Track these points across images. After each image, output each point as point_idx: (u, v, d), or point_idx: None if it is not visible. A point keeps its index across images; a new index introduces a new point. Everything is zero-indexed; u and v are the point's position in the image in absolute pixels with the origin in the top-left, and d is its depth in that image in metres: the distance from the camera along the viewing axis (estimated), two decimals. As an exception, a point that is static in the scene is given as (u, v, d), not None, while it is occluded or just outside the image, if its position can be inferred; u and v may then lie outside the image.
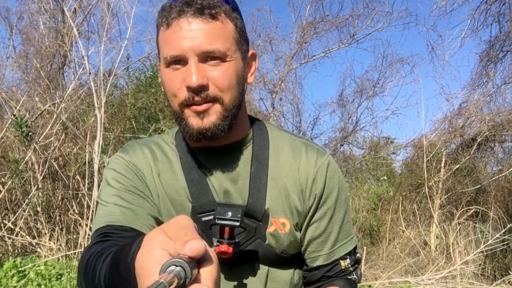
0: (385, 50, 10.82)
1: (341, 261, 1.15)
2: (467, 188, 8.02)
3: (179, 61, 1.05)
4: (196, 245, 0.54)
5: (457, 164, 8.14)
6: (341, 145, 11.07)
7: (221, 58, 1.05)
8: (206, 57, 1.04)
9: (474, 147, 8.19)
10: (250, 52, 1.18)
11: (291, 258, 1.16)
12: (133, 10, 5.79)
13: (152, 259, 0.56)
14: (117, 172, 1.13)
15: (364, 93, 10.31)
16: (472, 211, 7.83)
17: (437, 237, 7.92)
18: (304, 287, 1.20)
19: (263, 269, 1.13)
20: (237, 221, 1.01)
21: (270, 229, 1.11)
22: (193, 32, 1.02)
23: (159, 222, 1.09)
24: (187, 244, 0.54)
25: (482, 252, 6.68)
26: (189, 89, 1.04)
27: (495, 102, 8.63)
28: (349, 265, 1.15)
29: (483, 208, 7.80)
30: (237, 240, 1.05)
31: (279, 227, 1.11)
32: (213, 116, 1.06)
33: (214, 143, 1.12)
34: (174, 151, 1.19)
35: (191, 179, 1.13)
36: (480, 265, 7.02)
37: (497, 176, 8.08)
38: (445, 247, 7.31)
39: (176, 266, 0.53)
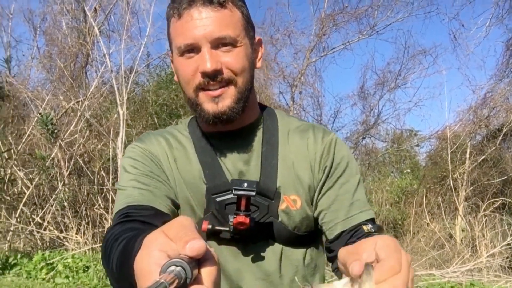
0: (407, 41, 10.58)
1: (362, 226, 1.12)
2: (493, 179, 7.86)
3: (192, 49, 1.09)
4: (196, 245, 0.54)
5: (483, 155, 7.98)
6: (363, 138, 10.96)
7: (232, 44, 1.10)
8: (218, 43, 1.08)
9: (500, 138, 8.00)
10: (257, 38, 1.23)
11: (304, 237, 1.18)
12: (152, 8, 5.88)
13: (151, 261, 0.56)
14: (134, 159, 1.17)
15: (385, 85, 10.17)
16: (498, 203, 7.67)
17: (462, 230, 7.79)
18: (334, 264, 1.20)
19: (277, 247, 1.15)
20: (253, 190, 1.03)
21: (282, 206, 1.14)
22: (204, 20, 1.07)
23: (175, 204, 1.14)
24: (188, 244, 0.55)
25: (509, 244, 6.55)
26: (204, 74, 1.08)
27: (521, 92, 8.41)
28: (372, 229, 1.11)
29: (510, 200, 7.63)
30: (253, 216, 1.08)
31: (290, 204, 1.15)
32: (228, 99, 1.10)
33: (228, 127, 1.16)
34: (187, 137, 1.23)
35: (205, 162, 1.17)
36: (507, 257, 6.88)
37: (524, 167, 7.89)
38: (470, 240, 7.18)
39: (177, 266, 0.53)
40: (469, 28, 9.23)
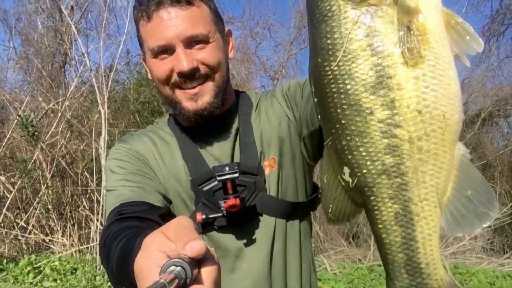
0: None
1: None
2: (473, 164, 8.03)
3: (166, 50, 1.11)
4: (197, 246, 0.55)
5: (462, 140, 8.13)
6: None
7: (204, 40, 1.12)
8: (190, 42, 1.10)
9: (478, 123, 8.17)
10: (226, 29, 1.24)
11: (296, 207, 1.21)
12: (129, 5, 5.81)
13: (151, 261, 0.56)
14: (120, 160, 1.18)
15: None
16: (478, 186, 7.84)
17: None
18: None
19: (270, 220, 1.18)
20: (235, 172, 1.06)
21: (266, 172, 1.18)
22: (174, 20, 1.09)
23: (167, 199, 1.16)
24: (188, 244, 0.55)
25: (490, 227, 6.71)
26: (181, 74, 1.10)
27: (498, 77, 8.59)
28: None
29: (490, 184, 7.81)
30: (242, 196, 1.11)
31: (270, 166, 1.18)
32: (206, 96, 1.13)
33: (204, 120, 1.18)
34: (170, 134, 1.26)
35: (187, 156, 1.20)
36: (489, 239, 7.05)
37: (502, 151, 8.07)
38: (453, 223, 7.34)
39: (177, 266, 0.53)
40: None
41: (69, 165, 5.83)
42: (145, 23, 1.12)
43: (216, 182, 1.12)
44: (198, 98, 1.13)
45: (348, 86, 0.59)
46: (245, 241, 1.17)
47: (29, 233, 5.33)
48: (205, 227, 1.16)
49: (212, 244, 1.16)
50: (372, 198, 0.62)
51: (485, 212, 0.60)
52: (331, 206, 0.68)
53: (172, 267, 0.53)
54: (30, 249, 5.34)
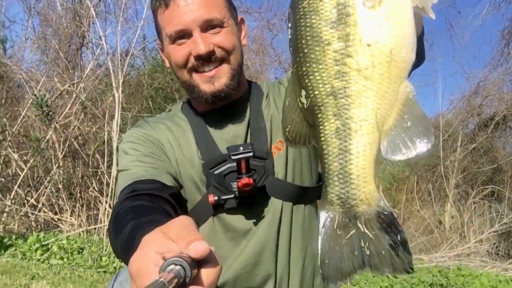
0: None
1: None
2: (483, 167, 7.97)
3: (183, 35, 1.16)
4: (201, 247, 0.55)
5: (474, 143, 8.07)
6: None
7: (219, 25, 1.17)
8: (207, 26, 1.16)
9: (491, 127, 8.09)
10: (239, 18, 1.30)
11: (302, 191, 1.26)
12: (148, -10, 5.84)
13: (148, 261, 0.57)
14: (134, 142, 1.23)
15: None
16: (487, 190, 7.79)
17: (452, 217, 7.92)
18: None
19: (277, 203, 1.23)
20: (249, 151, 1.12)
21: (274, 155, 1.24)
22: (191, 6, 1.14)
23: (178, 182, 1.21)
24: (192, 244, 0.55)
25: (496, 231, 6.68)
26: (198, 57, 1.15)
27: (514, 81, 8.47)
28: None
29: (499, 188, 7.75)
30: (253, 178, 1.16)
31: (277, 148, 1.24)
32: (223, 78, 1.18)
33: (223, 102, 1.23)
34: (184, 119, 1.31)
35: (200, 140, 1.25)
36: (494, 244, 7.02)
37: (514, 156, 8.00)
38: (459, 226, 7.31)
39: (176, 265, 0.53)
40: (465, 16, 9.24)
41: (81, 146, 5.91)
42: (162, 11, 1.17)
43: (227, 165, 1.18)
44: (215, 80, 1.18)
45: (314, 21, 0.69)
46: (253, 222, 1.22)
47: (39, 211, 5.44)
48: (216, 209, 1.21)
49: (222, 226, 1.22)
50: (320, 115, 0.72)
51: (419, 142, 0.68)
52: (289, 126, 0.77)
53: (172, 266, 0.53)
54: (39, 226, 5.45)
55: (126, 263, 0.89)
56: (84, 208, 5.52)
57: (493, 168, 8.08)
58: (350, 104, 0.69)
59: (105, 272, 4.22)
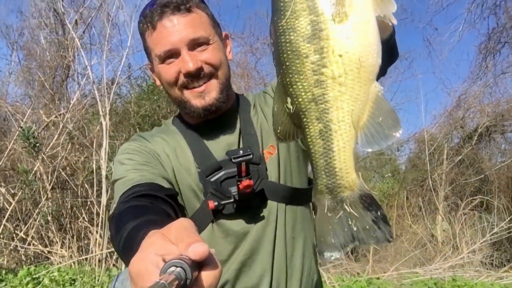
0: (383, 48, 10.87)
1: None
2: (470, 178, 8.08)
3: (172, 55, 1.21)
4: (201, 249, 0.55)
5: (459, 155, 8.20)
6: (344, 143, 11.10)
7: (205, 43, 1.22)
8: (193, 45, 1.21)
9: (475, 138, 8.24)
10: (223, 33, 1.35)
11: (295, 193, 1.30)
12: (132, 19, 5.93)
13: (148, 263, 0.57)
14: (130, 153, 1.26)
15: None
16: (476, 201, 7.87)
17: (443, 230, 7.96)
18: None
19: (272, 205, 1.27)
20: (249, 154, 1.16)
21: (267, 159, 1.29)
22: (177, 27, 1.20)
23: (174, 189, 1.23)
24: (191, 246, 0.56)
25: (488, 241, 6.73)
26: (188, 74, 1.20)
27: (495, 94, 8.69)
28: None
29: (487, 198, 7.84)
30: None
31: (269, 153, 1.29)
32: (213, 92, 1.24)
33: (214, 115, 1.28)
34: (176, 132, 1.35)
35: (195, 149, 1.29)
36: (488, 254, 7.05)
37: (500, 165, 8.13)
38: (451, 237, 7.35)
39: (177, 267, 0.53)
40: (442, 33, 9.52)
41: (70, 177, 5.86)
42: (150, 33, 1.23)
43: (223, 172, 1.22)
44: (205, 95, 1.23)
45: (292, 37, 0.78)
46: (251, 224, 1.26)
47: (29, 244, 5.34)
48: (215, 215, 1.23)
49: (222, 231, 1.24)
50: (305, 119, 0.83)
51: (389, 132, 0.79)
52: (279, 127, 0.88)
53: (172, 268, 0.53)
54: (29, 260, 5.34)
55: (126, 264, 0.90)
56: (75, 239, 5.44)
57: (480, 179, 8.19)
58: (329, 108, 0.80)
59: (98, 302, 4.15)
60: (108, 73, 6.22)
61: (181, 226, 0.62)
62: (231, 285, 1.27)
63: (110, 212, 1.10)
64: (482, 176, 8.12)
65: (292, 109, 0.83)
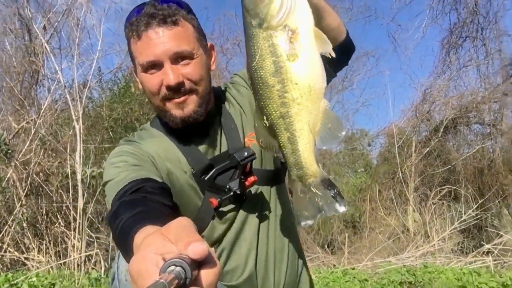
0: (350, 45, 11.15)
1: None
2: (438, 169, 8.36)
3: (154, 65, 1.26)
4: (200, 248, 0.56)
5: (427, 147, 8.47)
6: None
7: (189, 57, 1.27)
8: (176, 58, 1.25)
9: (442, 130, 8.53)
10: (209, 44, 1.40)
11: (276, 174, 1.43)
12: (102, 23, 5.91)
13: (148, 262, 0.58)
14: (122, 155, 1.29)
15: (334, 87, 10.59)
16: (445, 191, 8.15)
17: (415, 221, 8.21)
18: None
19: (260, 189, 1.40)
20: (253, 154, 1.28)
21: (250, 146, 1.38)
22: (162, 39, 1.23)
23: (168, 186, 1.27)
24: (190, 245, 0.56)
25: (457, 228, 7.01)
26: (169, 88, 1.25)
27: (459, 87, 9.01)
28: None
29: (455, 187, 8.13)
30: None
31: (250, 140, 1.39)
32: (191, 105, 1.29)
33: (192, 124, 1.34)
34: (162, 136, 1.39)
35: (185, 151, 1.35)
36: (458, 242, 7.32)
37: (465, 156, 8.43)
38: (422, 227, 7.60)
39: (176, 266, 0.53)
40: (406, 29, 9.81)
41: (44, 182, 5.80)
42: (135, 41, 1.26)
43: (214, 170, 1.29)
44: (185, 106, 1.29)
45: (262, 73, 1.04)
46: (247, 212, 1.37)
47: (4, 251, 5.27)
48: (216, 211, 1.32)
49: (218, 219, 1.33)
50: (277, 130, 1.09)
51: (336, 134, 1.07)
52: (261, 139, 1.14)
53: (172, 267, 0.53)
54: (6, 267, 5.27)
55: (124, 257, 0.97)
56: (51, 244, 5.39)
57: (448, 169, 8.47)
58: (293, 121, 1.06)
59: (79, 305, 4.14)
60: (78, 77, 6.18)
61: (180, 225, 0.63)
62: (223, 264, 1.36)
63: (107, 214, 1.14)
64: (450, 166, 8.41)
65: (267, 124, 1.09)
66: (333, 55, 1.01)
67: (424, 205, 8.00)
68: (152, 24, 1.22)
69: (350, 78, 10.54)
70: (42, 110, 5.93)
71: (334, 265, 6.38)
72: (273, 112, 1.06)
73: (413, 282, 5.05)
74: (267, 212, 1.39)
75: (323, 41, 1.03)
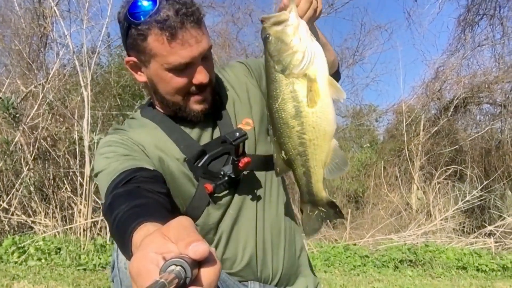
0: (363, 18, 10.88)
1: None
2: (445, 149, 8.32)
3: (187, 66, 1.24)
4: (201, 248, 0.56)
5: (436, 126, 8.41)
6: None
7: (209, 53, 1.30)
8: (204, 57, 1.27)
9: (451, 110, 8.44)
10: None
11: (269, 159, 1.40)
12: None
13: (148, 261, 0.57)
14: (112, 145, 1.27)
15: (344, 61, 10.42)
16: (450, 171, 8.14)
17: (418, 199, 8.24)
18: None
19: (255, 174, 1.42)
20: (245, 134, 1.30)
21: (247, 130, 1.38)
22: (194, 39, 1.22)
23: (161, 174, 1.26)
24: (191, 245, 0.56)
25: (460, 209, 7.03)
26: (200, 85, 1.28)
27: (472, 65, 8.85)
28: None
29: (461, 168, 8.12)
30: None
31: (244, 127, 1.38)
32: (209, 98, 1.33)
33: None
34: (152, 124, 1.37)
35: (176, 139, 1.34)
36: (460, 222, 7.36)
37: (474, 136, 8.37)
38: (425, 206, 7.63)
39: (177, 265, 0.53)
40: (422, 4, 9.57)
41: (51, 147, 5.84)
42: (164, 39, 1.17)
43: (207, 156, 1.31)
44: (205, 101, 1.32)
45: (283, 115, 1.18)
46: (236, 195, 1.37)
47: (12, 215, 5.36)
48: (211, 196, 1.32)
49: (217, 209, 1.33)
50: (294, 165, 1.25)
51: (341, 168, 1.24)
52: (278, 168, 1.30)
53: (172, 267, 0.53)
54: (13, 230, 5.38)
55: (122, 252, 0.97)
56: (58, 209, 5.48)
57: (455, 149, 8.44)
58: (309, 159, 1.21)
59: (85, 269, 4.23)
60: (87, 43, 6.12)
61: (181, 224, 0.63)
62: (222, 252, 1.36)
63: (101, 208, 1.13)
64: (457, 146, 8.37)
65: (285, 158, 1.24)
66: (343, 100, 1.18)
67: (428, 184, 8.01)
68: (186, 24, 1.18)
69: (362, 52, 10.35)
70: (51, 75, 5.90)
71: (336, 240, 6.45)
72: (292, 150, 1.20)
73: (413, 261, 5.11)
74: (262, 196, 1.40)
75: (336, 89, 1.16)
